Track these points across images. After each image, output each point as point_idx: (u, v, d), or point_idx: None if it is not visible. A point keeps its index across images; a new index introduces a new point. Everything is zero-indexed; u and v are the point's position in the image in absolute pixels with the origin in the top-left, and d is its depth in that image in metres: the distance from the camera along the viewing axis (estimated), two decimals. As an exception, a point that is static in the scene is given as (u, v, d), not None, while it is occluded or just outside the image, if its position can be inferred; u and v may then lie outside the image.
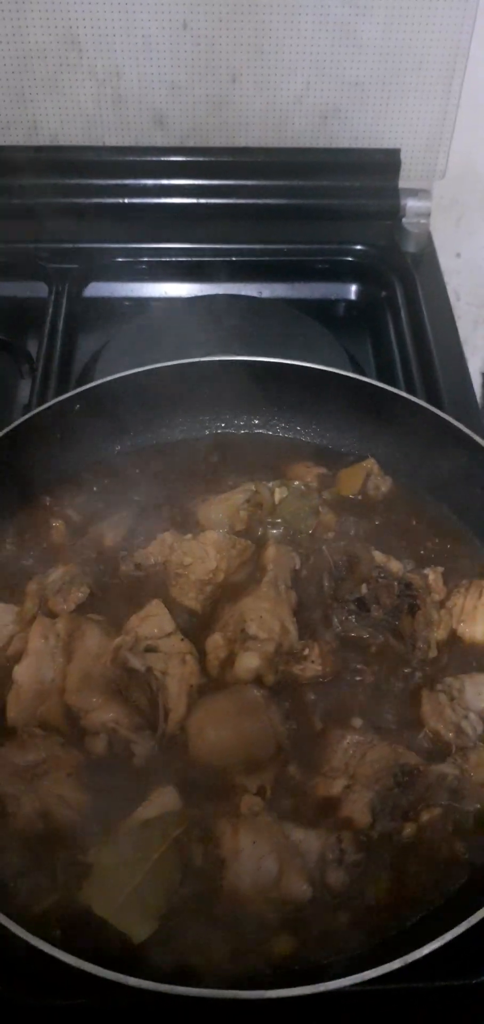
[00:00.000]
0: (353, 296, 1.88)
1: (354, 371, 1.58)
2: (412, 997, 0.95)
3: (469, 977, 0.96)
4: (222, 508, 1.28)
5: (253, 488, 1.30)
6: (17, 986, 0.91)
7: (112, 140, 1.79)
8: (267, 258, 1.83)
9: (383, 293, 1.83)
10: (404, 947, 0.88)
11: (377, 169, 1.86)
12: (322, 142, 1.84)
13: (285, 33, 1.72)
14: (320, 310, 1.80)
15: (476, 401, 1.65)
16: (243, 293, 1.80)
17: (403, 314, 1.75)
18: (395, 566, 1.23)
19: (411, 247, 1.87)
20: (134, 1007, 0.89)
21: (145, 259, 1.79)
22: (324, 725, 1.10)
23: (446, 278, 1.87)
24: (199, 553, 1.19)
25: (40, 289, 1.71)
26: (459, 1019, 0.97)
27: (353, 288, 1.88)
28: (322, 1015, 0.93)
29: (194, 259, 1.80)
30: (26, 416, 1.28)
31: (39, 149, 1.77)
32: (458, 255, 2.18)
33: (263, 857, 0.96)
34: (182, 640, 1.12)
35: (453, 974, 0.95)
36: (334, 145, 1.84)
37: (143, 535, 1.23)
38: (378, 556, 1.24)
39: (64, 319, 1.63)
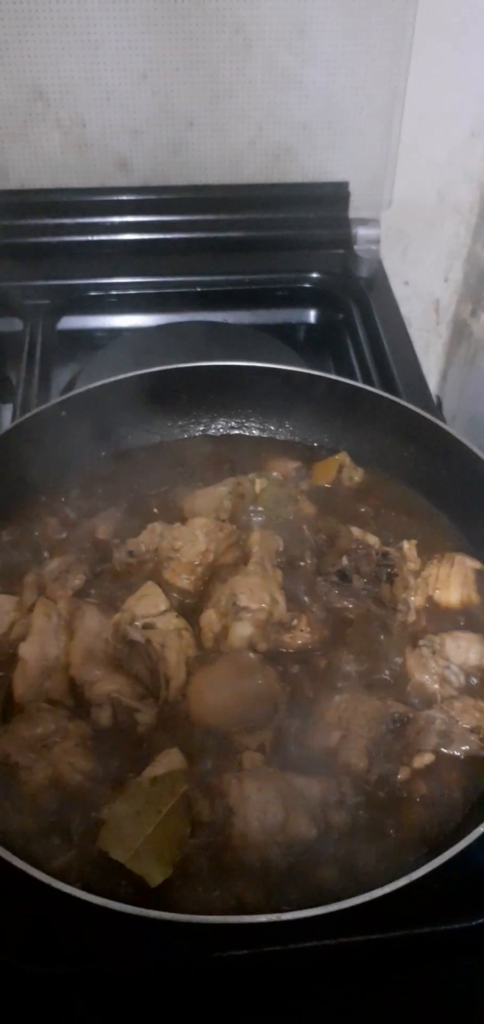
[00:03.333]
0: (312, 320, 1.99)
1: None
2: (417, 943, 0.98)
3: (468, 920, 1.00)
4: (207, 500, 1.33)
5: (235, 480, 1.36)
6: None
7: (78, 184, 1.88)
8: (230, 288, 1.92)
9: (340, 315, 1.93)
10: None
11: (328, 201, 1.97)
12: (275, 179, 1.95)
13: (236, 81, 1.85)
14: (282, 334, 1.89)
15: (433, 401, 1.76)
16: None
17: (360, 333, 1.85)
18: (372, 539, 1.30)
19: (363, 272, 1.98)
20: (149, 951, 0.92)
21: (114, 292, 1.86)
22: (316, 687, 1.15)
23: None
24: (189, 537, 1.24)
25: (16, 324, 1.77)
26: (464, 962, 1.02)
27: (312, 313, 1.99)
28: (332, 957, 0.97)
29: (161, 291, 1.89)
30: (15, 422, 1.33)
31: (9, 193, 1.85)
32: (406, 283, 2.31)
33: (269, 802, 1.00)
34: (177, 617, 1.16)
35: (452, 918, 0.99)
36: (287, 181, 1.96)
37: (133, 526, 1.28)
38: (356, 531, 1.31)
39: (40, 350, 1.68)
